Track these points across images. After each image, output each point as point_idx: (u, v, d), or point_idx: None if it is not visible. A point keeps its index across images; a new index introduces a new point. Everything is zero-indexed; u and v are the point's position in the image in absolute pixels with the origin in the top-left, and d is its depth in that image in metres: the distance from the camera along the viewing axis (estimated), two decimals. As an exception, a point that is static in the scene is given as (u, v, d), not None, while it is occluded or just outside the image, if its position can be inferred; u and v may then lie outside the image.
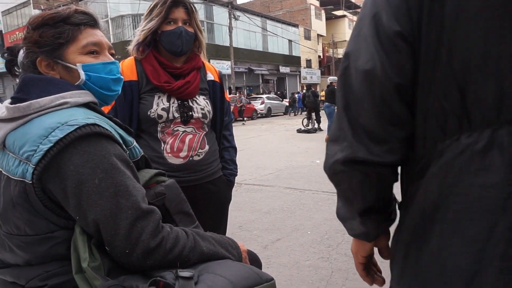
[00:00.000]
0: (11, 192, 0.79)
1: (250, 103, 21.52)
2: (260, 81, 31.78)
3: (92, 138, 0.79)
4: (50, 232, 0.80)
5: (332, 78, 10.55)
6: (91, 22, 0.94)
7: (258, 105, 21.89)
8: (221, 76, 1.73)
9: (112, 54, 0.99)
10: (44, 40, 0.88)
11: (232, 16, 23.98)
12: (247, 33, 29.11)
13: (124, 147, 0.88)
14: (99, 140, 0.80)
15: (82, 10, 0.95)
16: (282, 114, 23.59)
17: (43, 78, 0.88)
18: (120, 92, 1.02)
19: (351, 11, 53.34)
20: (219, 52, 26.15)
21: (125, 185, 0.79)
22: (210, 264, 0.87)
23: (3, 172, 0.82)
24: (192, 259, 0.86)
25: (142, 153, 0.99)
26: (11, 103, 0.84)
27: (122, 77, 1.01)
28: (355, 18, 52.10)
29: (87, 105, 0.89)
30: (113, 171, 0.78)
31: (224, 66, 26.01)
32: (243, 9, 29.45)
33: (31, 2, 26.88)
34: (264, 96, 23.63)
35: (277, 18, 34.37)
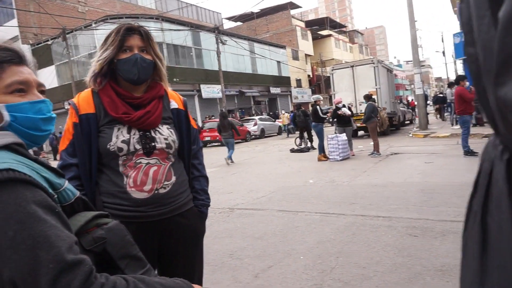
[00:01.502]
0: None
1: (243, 125, 21.54)
2: (252, 102, 31.99)
3: (5, 185, 0.69)
4: None
5: (316, 97, 10.55)
6: (16, 59, 0.87)
7: (251, 127, 21.89)
8: (185, 103, 1.65)
9: (41, 92, 0.92)
10: None
11: (219, 41, 24.33)
12: (235, 57, 29.52)
13: (50, 191, 0.79)
14: (14, 187, 0.70)
15: (4, 46, 0.87)
16: (276, 134, 23.61)
17: None
18: (52, 130, 0.94)
19: (336, 30, 54.59)
20: (209, 77, 26.40)
21: (45, 236, 0.69)
22: None
23: None
24: None
25: (78, 195, 0.90)
26: None
27: (54, 115, 0.93)
28: (340, 36, 53.33)
29: (8, 147, 0.81)
30: (31, 221, 0.69)
31: (215, 90, 26.21)
32: (230, 33, 29.98)
33: (19, 37, 27.10)
34: (257, 117, 23.69)
35: (264, 41, 34.99)
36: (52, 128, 0.92)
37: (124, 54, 1.42)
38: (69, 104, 1.48)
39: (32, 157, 0.82)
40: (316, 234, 3.78)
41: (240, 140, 20.63)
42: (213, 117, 22.19)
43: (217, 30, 25.06)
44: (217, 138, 18.48)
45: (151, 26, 22.11)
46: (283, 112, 23.50)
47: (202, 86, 25.74)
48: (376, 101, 12.46)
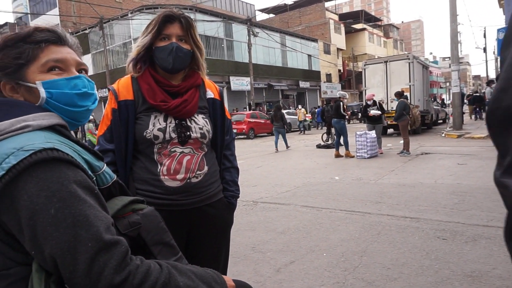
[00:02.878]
0: None
1: (269, 118, 21.51)
2: (280, 96, 31.83)
3: (49, 164, 0.72)
4: (6, 269, 0.73)
5: (341, 93, 10.29)
6: (54, 38, 0.89)
7: (277, 121, 21.82)
8: (221, 93, 1.66)
9: (83, 71, 0.93)
10: (5, 63, 0.84)
11: (251, 33, 24.28)
12: (266, 49, 29.38)
13: (89, 172, 0.81)
14: (57, 166, 0.73)
15: (44, 27, 0.89)
16: (313, 127, 23.41)
17: (6, 101, 0.83)
18: (91, 107, 0.96)
19: (370, 24, 53.12)
20: (239, 69, 26.45)
21: (84, 215, 0.72)
22: None
23: None
24: None
25: (115, 178, 0.92)
26: None
27: (91, 91, 0.93)
28: (375, 30, 51.86)
29: (53, 128, 0.83)
30: (72, 200, 0.71)
31: (244, 83, 26.25)
32: (262, 25, 29.82)
33: (60, 26, 28.17)
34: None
35: (296, 34, 34.58)
36: (90, 104, 0.93)
37: (162, 42, 1.43)
38: (109, 89, 1.50)
39: (74, 139, 0.85)
40: (340, 232, 3.73)
41: (266, 134, 20.64)
42: (237, 110, 22.18)
43: (250, 22, 25.00)
44: (243, 130, 18.62)
45: (184, 17, 22.37)
46: (299, 107, 22.83)
47: (231, 78, 25.85)
48: (409, 99, 12.07)
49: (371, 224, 3.90)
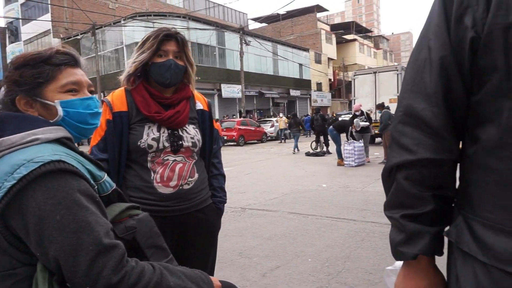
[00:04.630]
0: None
1: (260, 126, 21.65)
2: (271, 104, 32.04)
3: (56, 174, 0.81)
4: (12, 269, 0.81)
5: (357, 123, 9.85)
6: (72, 62, 1.00)
7: (268, 128, 21.99)
8: (209, 105, 1.77)
9: (91, 92, 1.04)
10: (23, 80, 0.93)
11: (243, 41, 24.51)
12: (258, 58, 29.63)
13: (91, 182, 0.91)
14: (63, 176, 0.82)
15: (63, 50, 1.00)
16: (293, 137, 23.58)
17: (18, 116, 0.92)
18: (98, 125, 1.06)
19: (361, 35, 53.98)
20: (230, 77, 26.61)
21: (87, 221, 0.81)
22: None
23: None
24: None
25: (114, 187, 1.02)
26: None
27: (100, 111, 1.05)
28: (365, 41, 52.68)
29: (59, 141, 0.92)
30: (76, 207, 0.80)
31: (235, 90, 26.40)
32: (255, 34, 30.12)
33: (51, 31, 28.06)
34: (274, 119, 23.76)
35: (288, 43, 34.97)
36: (98, 122, 1.05)
37: (159, 58, 1.52)
38: (103, 101, 1.58)
39: (78, 150, 0.95)
40: (326, 238, 3.83)
41: (255, 141, 20.76)
42: (228, 117, 22.21)
43: (242, 31, 25.24)
44: (233, 137, 18.71)
45: (178, 25, 22.50)
46: (280, 115, 22.88)
47: (222, 85, 25.98)
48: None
49: (355, 231, 4.02)
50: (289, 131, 20.73)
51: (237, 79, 25.49)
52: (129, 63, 1.56)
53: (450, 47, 0.68)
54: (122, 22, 24.37)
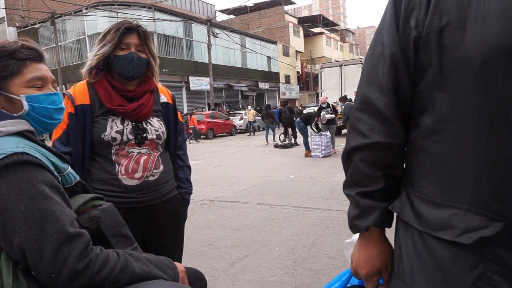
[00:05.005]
0: None
1: (229, 119, 21.62)
2: (239, 97, 32.03)
3: (19, 166, 0.83)
4: None
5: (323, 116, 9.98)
6: (37, 57, 1.00)
7: (237, 121, 22.00)
8: (174, 98, 1.79)
9: (55, 87, 1.05)
10: None
11: (211, 33, 24.25)
12: (226, 50, 29.44)
13: (55, 173, 0.92)
14: (27, 168, 0.84)
15: (28, 45, 1.00)
16: (262, 129, 23.76)
17: None
18: (61, 120, 1.07)
19: (328, 28, 54.81)
20: (198, 69, 26.29)
21: (51, 211, 0.83)
22: (140, 285, 0.91)
23: None
24: (122, 279, 0.90)
25: (78, 179, 1.03)
26: None
27: (63, 106, 1.06)
28: (332, 35, 53.58)
29: (21, 134, 0.93)
30: (40, 198, 0.82)
31: (203, 83, 26.15)
32: (222, 26, 29.85)
33: (6, 19, 26.46)
34: (243, 111, 23.79)
35: (256, 35, 34.96)
36: (61, 117, 1.06)
37: (121, 51, 1.52)
38: (65, 94, 1.56)
39: (41, 143, 0.96)
40: (292, 227, 3.95)
41: (225, 134, 20.74)
42: (196, 110, 21.84)
43: (210, 23, 24.97)
44: (202, 130, 18.55)
45: (143, 15, 21.91)
46: (249, 108, 22.87)
47: (190, 78, 25.64)
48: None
49: (321, 219, 4.17)
50: (257, 124, 21.10)
51: (205, 72, 25.24)
52: (91, 56, 1.56)
53: (399, 44, 0.77)
54: (84, 11, 23.39)
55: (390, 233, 0.88)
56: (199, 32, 26.33)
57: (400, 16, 0.76)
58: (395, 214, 0.85)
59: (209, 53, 24.36)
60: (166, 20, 23.70)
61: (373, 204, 0.84)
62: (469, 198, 0.69)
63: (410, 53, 0.75)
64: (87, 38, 23.39)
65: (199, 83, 26.29)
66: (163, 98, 1.71)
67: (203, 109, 24.09)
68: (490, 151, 0.65)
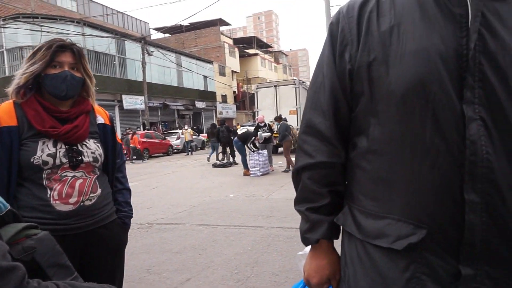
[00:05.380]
0: None
1: (165, 138, 21.10)
2: (176, 116, 31.49)
3: None
4: None
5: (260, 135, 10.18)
6: None
7: (173, 141, 21.54)
8: (111, 119, 1.73)
9: None
10: None
11: (145, 51, 23.72)
12: (161, 69, 28.92)
13: None
14: None
15: None
16: (199, 148, 23.52)
17: None
18: None
19: (262, 49, 56.74)
20: (132, 87, 25.42)
21: None
22: None
23: None
24: None
25: (8, 208, 0.95)
26: None
27: None
28: (266, 56, 55.51)
29: None
30: None
31: (138, 101, 25.28)
32: (157, 44, 29.38)
33: None
34: (180, 131, 23.38)
35: (192, 55, 34.92)
36: None
37: (53, 70, 1.44)
38: None
39: None
40: (234, 246, 3.94)
41: (161, 154, 20.17)
42: (131, 130, 20.87)
43: (144, 40, 24.45)
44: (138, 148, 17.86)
45: (71, 30, 20.74)
46: (185, 127, 22.58)
47: (124, 96, 24.64)
48: (296, 120, 13.28)
49: (262, 237, 4.21)
50: (195, 143, 20.91)
51: (140, 90, 24.47)
52: (19, 75, 1.45)
53: (336, 75, 0.87)
54: (2, 22, 21.52)
55: (338, 244, 0.95)
56: (132, 49, 25.57)
57: (336, 50, 0.86)
58: (341, 226, 0.93)
59: (143, 71, 23.73)
60: (97, 36, 22.70)
61: (321, 219, 0.91)
62: (399, 210, 0.78)
63: (346, 83, 0.85)
64: (5, 51, 21.50)
65: (133, 101, 25.35)
66: (100, 119, 1.65)
67: (138, 129, 23.21)
68: (414, 168, 0.75)
